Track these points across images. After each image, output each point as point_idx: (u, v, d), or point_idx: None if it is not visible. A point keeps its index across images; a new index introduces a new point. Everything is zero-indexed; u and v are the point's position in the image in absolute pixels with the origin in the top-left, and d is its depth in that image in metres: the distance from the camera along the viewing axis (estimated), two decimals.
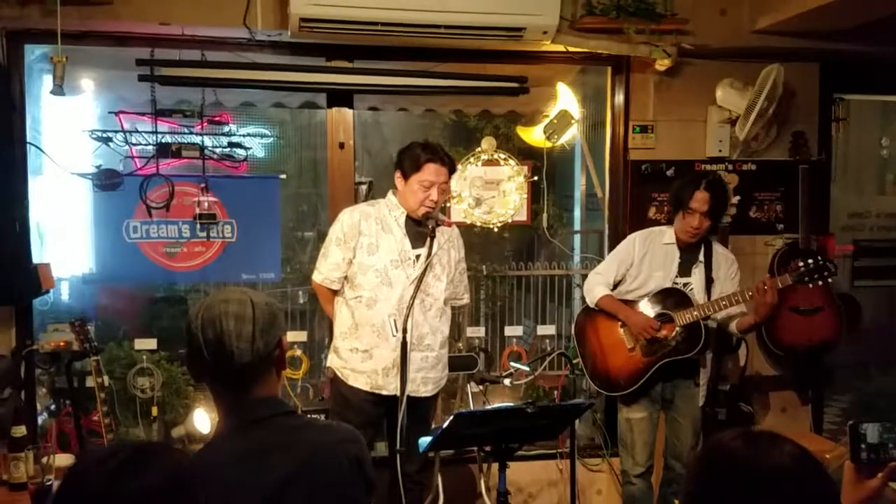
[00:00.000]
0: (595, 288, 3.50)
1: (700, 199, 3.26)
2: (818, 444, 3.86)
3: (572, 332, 3.72)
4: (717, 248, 3.47)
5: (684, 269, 3.41)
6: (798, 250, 4.07)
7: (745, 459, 1.21)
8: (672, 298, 3.37)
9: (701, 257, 3.41)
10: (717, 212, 3.34)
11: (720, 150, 4.12)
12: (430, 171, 3.07)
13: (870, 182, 5.36)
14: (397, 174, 3.16)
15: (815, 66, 4.24)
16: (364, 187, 4.25)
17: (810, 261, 3.20)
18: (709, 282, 3.39)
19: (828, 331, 4.05)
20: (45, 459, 3.15)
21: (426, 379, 3.18)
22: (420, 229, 3.16)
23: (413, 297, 2.98)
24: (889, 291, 5.09)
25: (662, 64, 3.87)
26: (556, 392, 4.06)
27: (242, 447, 1.58)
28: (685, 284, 3.40)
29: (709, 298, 3.36)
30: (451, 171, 3.17)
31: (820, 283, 3.20)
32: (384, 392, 3.11)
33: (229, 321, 1.58)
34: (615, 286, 3.52)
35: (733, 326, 3.40)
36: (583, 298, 4.17)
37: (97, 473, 1.13)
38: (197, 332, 1.59)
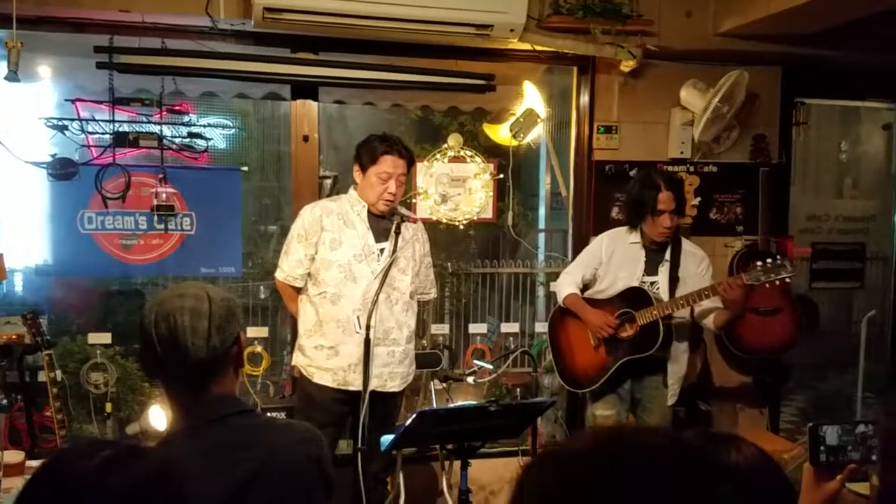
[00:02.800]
0: (563, 287, 3.53)
1: (665, 200, 3.30)
2: (775, 444, 3.92)
3: (546, 329, 3.77)
4: (687, 247, 3.47)
5: (651, 268, 3.43)
6: (757, 252, 4.13)
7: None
8: (635, 297, 3.39)
9: (668, 256, 3.42)
10: (682, 205, 3.40)
11: (682, 152, 4.16)
12: (388, 163, 3.06)
13: (829, 186, 5.46)
14: (356, 168, 3.16)
15: (777, 70, 4.30)
16: (329, 182, 4.21)
17: (769, 261, 3.24)
18: (673, 280, 3.40)
19: (786, 331, 4.11)
20: None
21: (393, 374, 3.16)
22: (384, 223, 3.15)
23: (378, 292, 2.97)
24: (845, 293, 5.19)
25: (627, 65, 3.89)
26: (517, 390, 4.06)
27: (199, 447, 1.54)
28: (652, 283, 3.42)
29: (672, 297, 3.38)
30: (410, 163, 3.16)
31: (777, 283, 3.24)
32: (351, 388, 3.08)
33: (184, 316, 1.54)
34: (589, 286, 3.55)
35: (709, 322, 3.43)
36: (548, 296, 4.19)
37: (81, 468, 1.08)
38: (150, 328, 1.55)
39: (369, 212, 3.14)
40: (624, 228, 3.54)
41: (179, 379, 1.58)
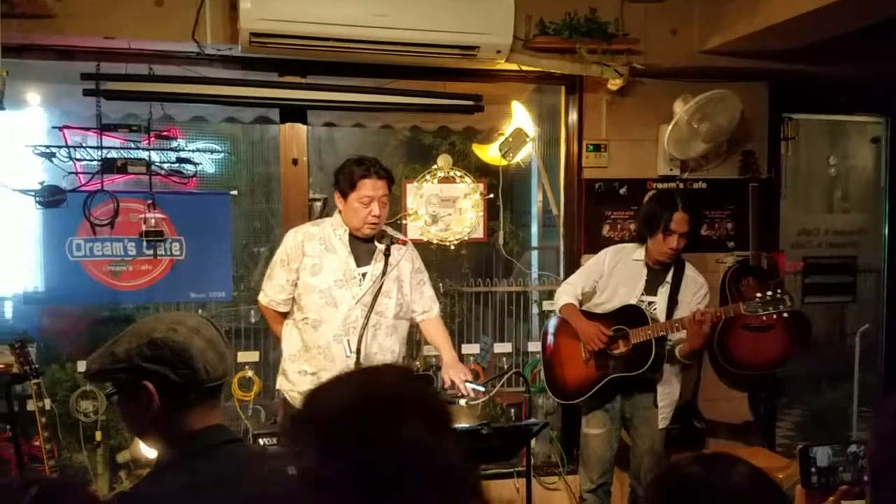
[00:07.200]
0: (561, 296, 3.54)
1: (679, 220, 3.29)
2: (771, 461, 3.89)
3: (540, 338, 3.78)
4: (689, 272, 3.45)
5: (651, 288, 3.42)
6: (749, 267, 4.12)
7: (703, 483, 1.20)
8: (631, 315, 3.37)
9: (669, 278, 3.41)
10: (694, 230, 3.38)
11: (671, 169, 4.17)
12: (367, 187, 3.01)
13: (818, 200, 5.46)
14: (336, 195, 3.11)
15: (763, 86, 4.32)
16: (319, 204, 4.20)
17: (769, 293, 3.21)
18: (671, 303, 3.38)
19: (779, 347, 4.09)
20: None
21: None
22: (367, 246, 3.11)
23: (367, 318, 2.94)
24: (838, 307, 5.19)
25: (614, 83, 3.90)
26: (511, 410, 4.04)
27: (188, 479, 1.51)
28: (650, 303, 3.40)
29: (668, 320, 3.36)
30: (390, 182, 3.12)
31: (774, 316, 3.22)
32: None
33: (199, 342, 1.55)
34: (588, 298, 3.54)
35: (676, 352, 3.42)
36: (541, 315, 4.16)
37: None
38: (173, 351, 1.52)
39: (352, 235, 3.11)
40: (630, 245, 3.56)
41: (182, 406, 1.55)
